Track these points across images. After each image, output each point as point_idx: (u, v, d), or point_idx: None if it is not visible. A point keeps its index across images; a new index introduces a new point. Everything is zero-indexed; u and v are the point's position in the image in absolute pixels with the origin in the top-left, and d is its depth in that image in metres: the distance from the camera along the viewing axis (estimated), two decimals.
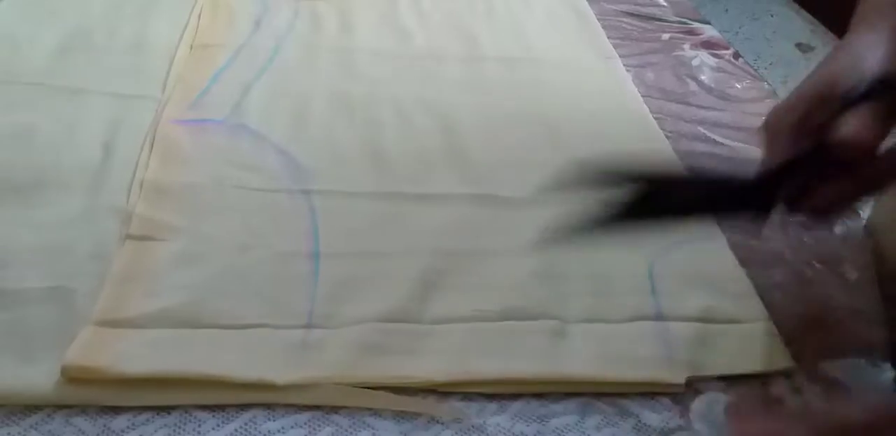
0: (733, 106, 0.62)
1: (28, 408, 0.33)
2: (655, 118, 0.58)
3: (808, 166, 0.37)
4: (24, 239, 0.41)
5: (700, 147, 0.57)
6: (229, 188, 0.46)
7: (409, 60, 0.61)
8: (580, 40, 0.67)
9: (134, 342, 0.36)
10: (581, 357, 0.38)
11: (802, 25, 2.15)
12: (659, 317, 0.41)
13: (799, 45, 2.06)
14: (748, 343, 0.40)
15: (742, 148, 0.57)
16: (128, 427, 0.33)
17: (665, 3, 0.77)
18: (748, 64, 0.68)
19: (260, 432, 0.34)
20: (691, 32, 0.72)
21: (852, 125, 0.35)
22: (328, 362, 0.36)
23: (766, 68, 1.90)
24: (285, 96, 0.55)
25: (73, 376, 0.34)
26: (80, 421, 0.33)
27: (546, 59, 0.64)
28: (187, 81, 0.55)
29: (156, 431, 0.33)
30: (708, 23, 0.75)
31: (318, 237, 0.43)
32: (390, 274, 0.42)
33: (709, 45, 0.70)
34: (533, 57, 0.64)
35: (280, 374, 0.35)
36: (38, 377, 0.34)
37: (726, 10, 2.17)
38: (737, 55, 0.69)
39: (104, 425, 0.33)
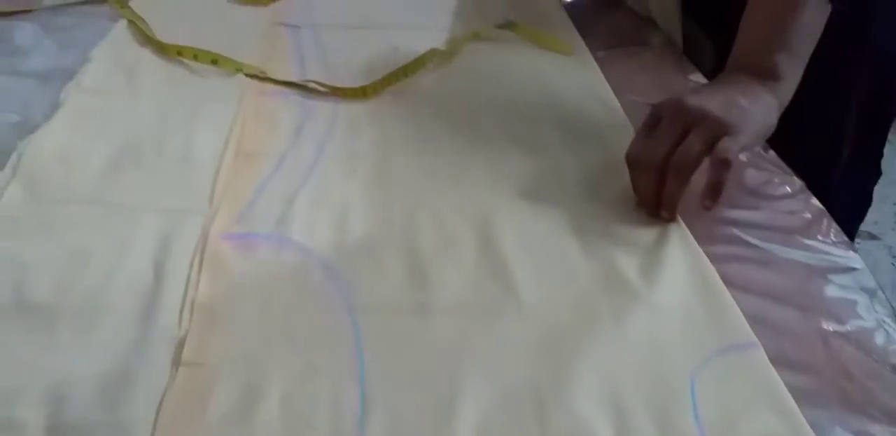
0: (766, 204, 0.61)
1: None
2: (683, 219, 0.57)
3: None
4: (81, 368, 0.42)
5: (737, 251, 0.56)
6: (278, 310, 0.48)
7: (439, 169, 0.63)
8: None
9: None
10: None
11: None
12: None
13: None
14: None
15: (778, 250, 0.56)
16: None
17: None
18: (779, 158, 0.67)
19: None
20: None
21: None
22: None
23: None
24: (327, 206, 0.57)
25: None
26: None
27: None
28: (233, 193, 0.57)
29: None
30: None
31: (364, 362, 0.44)
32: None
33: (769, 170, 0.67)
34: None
35: None
36: None
37: None
38: (766, 148, 0.68)
39: None
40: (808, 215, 0.60)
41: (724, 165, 0.54)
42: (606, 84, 0.76)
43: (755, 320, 0.49)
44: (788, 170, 0.66)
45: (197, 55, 0.73)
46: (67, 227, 0.53)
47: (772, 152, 0.68)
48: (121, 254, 0.51)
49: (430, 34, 0.83)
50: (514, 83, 0.76)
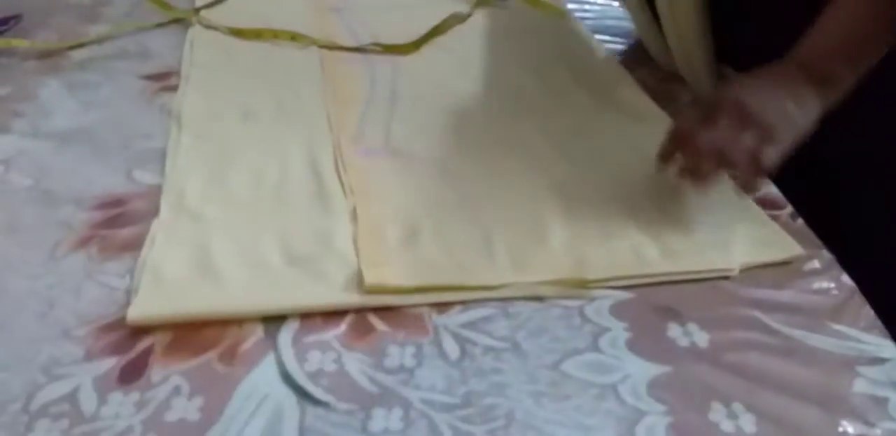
0: (791, 282, 0.59)
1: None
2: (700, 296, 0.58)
3: None
4: (295, 226, 0.63)
5: (758, 338, 0.54)
6: (411, 187, 0.69)
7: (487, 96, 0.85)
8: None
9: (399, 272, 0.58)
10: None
11: None
12: None
13: None
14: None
15: (803, 336, 0.53)
16: None
17: None
18: (807, 226, 0.65)
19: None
20: None
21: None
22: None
23: None
24: (413, 127, 0.78)
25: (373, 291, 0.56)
26: None
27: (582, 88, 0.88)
28: (343, 125, 0.78)
29: None
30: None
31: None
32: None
33: (764, 202, 0.67)
34: (571, 88, 0.88)
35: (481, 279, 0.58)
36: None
37: None
38: (794, 216, 0.66)
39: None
40: (837, 293, 0.57)
41: (763, 171, 0.58)
42: (589, 34, 0.98)
43: (772, 420, 0.47)
44: (818, 242, 0.63)
45: (276, 35, 0.94)
46: (237, 156, 0.73)
47: (800, 221, 0.66)
48: (285, 167, 0.71)
49: (439, 7, 1.05)
50: (516, 35, 0.99)
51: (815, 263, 0.61)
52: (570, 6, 1.08)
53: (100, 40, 0.96)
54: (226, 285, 0.57)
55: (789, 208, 0.68)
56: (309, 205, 0.66)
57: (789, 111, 0.59)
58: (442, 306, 0.57)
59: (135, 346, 0.53)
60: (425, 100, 0.84)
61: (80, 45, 0.94)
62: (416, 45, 0.93)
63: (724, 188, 0.63)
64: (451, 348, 0.54)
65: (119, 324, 0.54)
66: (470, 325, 0.56)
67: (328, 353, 0.53)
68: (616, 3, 1.11)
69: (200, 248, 0.61)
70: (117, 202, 0.67)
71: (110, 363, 0.52)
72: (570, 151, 0.75)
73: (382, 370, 0.52)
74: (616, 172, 0.72)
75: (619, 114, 0.82)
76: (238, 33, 0.96)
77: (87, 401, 0.49)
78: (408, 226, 0.64)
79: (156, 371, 0.51)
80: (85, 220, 0.65)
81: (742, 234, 0.64)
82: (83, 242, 0.63)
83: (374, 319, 0.56)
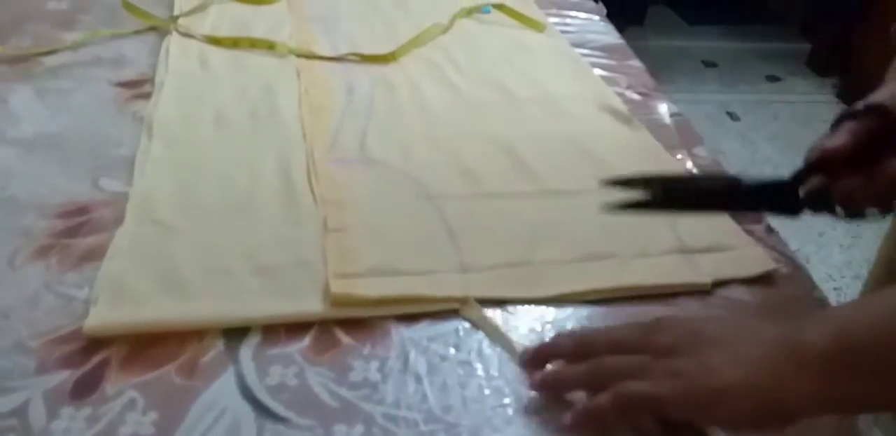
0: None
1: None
2: None
3: (819, 170, 0.49)
4: (261, 237, 0.62)
5: None
6: (382, 199, 0.68)
7: (461, 105, 0.84)
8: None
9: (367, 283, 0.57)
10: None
11: None
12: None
13: None
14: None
15: None
16: None
17: (695, 170, 0.76)
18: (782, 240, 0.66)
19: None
20: None
21: (828, 138, 0.49)
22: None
23: None
24: (390, 137, 0.77)
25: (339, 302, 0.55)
26: None
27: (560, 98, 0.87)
28: (318, 133, 0.77)
29: None
30: None
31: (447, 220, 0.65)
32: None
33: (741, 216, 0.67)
34: (551, 97, 0.87)
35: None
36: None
37: (776, 117, 2.20)
38: (770, 230, 0.68)
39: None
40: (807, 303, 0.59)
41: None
42: (570, 48, 0.98)
43: None
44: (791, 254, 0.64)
45: (254, 43, 0.93)
46: (208, 164, 0.72)
47: (776, 234, 0.67)
48: (256, 176, 0.70)
49: (418, 18, 1.04)
50: (497, 47, 0.98)
51: (787, 273, 0.62)
52: (552, 20, 1.08)
53: (74, 47, 0.94)
54: (189, 296, 0.56)
55: (766, 222, 0.68)
56: (278, 214, 0.65)
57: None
58: (409, 319, 0.56)
59: (90, 359, 0.51)
60: (402, 110, 0.83)
61: (54, 52, 0.93)
62: (395, 55, 0.92)
63: None
64: (418, 362, 0.52)
65: (75, 336, 0.53)
66: (437, 338, 0.54)
67: (290, 367, 0.51)
68: (597, 18, 1.11)
69: (165, 257, 0.59)
70: (81, 210, 0.66)
71: (63, 376, 0.50)
72: (548, 162, 0.74)
73: (345, 385, 0.50)
74: (591, 185, 0.71)
75: (598, 125, 0.81)
76: (215, 42, 0.95)
77: (37, 416, 0.47)
78: (378, 237, 0.63)
79: (111, 385, 0.50)
80: (46, 228, 0.63)
81: (716, 248, 0.63)
82: (43, 251, 0.61)
83: (338, 333, 0.54)
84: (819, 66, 2.41)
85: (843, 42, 2.30)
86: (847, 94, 2.25)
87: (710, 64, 2.49)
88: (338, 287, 0.55)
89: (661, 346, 0.44)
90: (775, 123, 2.18)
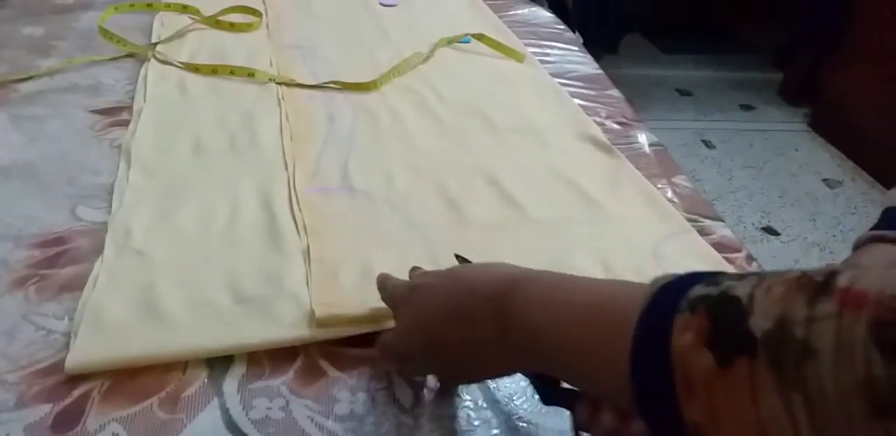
0: None
1: None
2: None
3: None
4: (244, 267, 0.61)
5: None
6: (365, 227, 0.67)
7: (443, 134, 0.84)
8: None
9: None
10: None
11: (829, 160, 2.15)
12: None
13: (826, 181, 2.06)
14: None
15: None
16: None
17: (675, 199, 0.76)
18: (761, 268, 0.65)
19: None
20: (702, 232, 0.70)
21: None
22: None
23: (792, 204, 1.95)
24: (372, 166, 0.77)
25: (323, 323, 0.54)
26: None
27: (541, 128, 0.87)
28: (299, 162, 0.76)
29: None
30: (721, 220, 0.73)
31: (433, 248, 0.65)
32: None
33: (720, 247, 0.68)
34: (532, 127, 0.87)
35: None
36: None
37: (751, 145, 2.23)
38: (750, 259, 0.68)
39: None
40: None
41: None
42: (550, 78, 0.99)
43: None
44: None
45: (233, 71, 0.93)
46: (187, 192, 0.71)
47: (756, 263, 0.68)
48: (237, 205, 0.69)
49: (398, 47, 1.05)
50: (478, 77, 0.99)
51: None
52: (531, 50, 1.09)
53: (50, 73, 0.94)
54: (171, 327, 0.55)
55: (745, 251, 0.69)
56: (260, 244, 0.64)
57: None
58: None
59: (71, 392, 0.50)
60: (384, 139, 0.82)
61: (29, 78, 0.92)
62: (377, 83, 0.92)
63: None
64: (404, 394, 0.52)
65: (55, 369, 0.52)
66: None
67: (275, 399, 0.50)
68: (575, 48, 1.12)
69: (145, 289, 0.58)
70: (59, 240, 0.65)
71: (44, 411, 0.49)
72: (531, 192, 0.74)
73: (332, 418, 0.50)
74: (574, 214, 0.72)
75: (580, 155, 0.82)
76: (194, 69, 0.95)
77: None
78: (362, 265, 0.62)
79: (92, 419, 0.48)
80: (24, 258, 0.62)
81: None
82: (21, 282, 0.60)
83: (324, 364, 0.53)
84: (791, 95, 2.45)
85: (814, 72, 2.34)
86: (818, 123, 2.29)
87: (684, 92, 2.53)
88: (322, 310, 0.55)
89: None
90: (750, 152, 2.20)
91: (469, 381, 0.51)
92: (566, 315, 0.39)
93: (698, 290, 0.32)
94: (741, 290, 0.31)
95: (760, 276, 0.31)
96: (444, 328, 0.45)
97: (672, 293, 0.33)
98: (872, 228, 0.52)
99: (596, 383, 0.38)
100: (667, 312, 0.32)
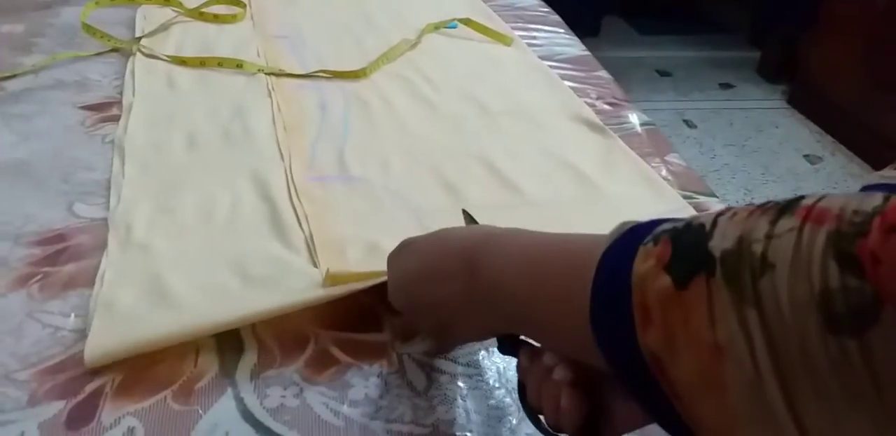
0: None
1: None
2: None
3: None
4: (252, 251, 0.61)
5: None
6: (365, 215, 0.68)
7: (436, 119, 0.85)
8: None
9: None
10: None
11: (809, 136, 2.17)
12: None
13: (807, 157, 2.07)
14: None
15: None
16: None
17: (670, 177, 0.76)
18: None
19: None
20: (697, 208, 0.71)
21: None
22: None
23: (775, 181, 1.96)
24: (368, 152, 0.77)
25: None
26: None
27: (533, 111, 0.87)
28: (295, 152, 0.76)
29: None
30: (714, 196, 0.74)
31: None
32: None
33: None
34: (524, 110, 0.87)
35: None
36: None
37: (731, 124, 2.23)
38: None
39: None
40: None
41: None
42: (539, 61, 0.99)
43: None
44: None
45: (221, 63, 0.92)
46: (184, 186, 0.71)
47: None
48: (236, 197, 0.69)
49: (384, 34, 1.05)
50: (467, 61, 0.99)
51: None
52: (518, 33, 1.09)
53: (35, 71, 0.93)
54: (182, 309, 0.55)
55: None
56: (263, 233, 0.64)
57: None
58: (406, 335, 0.55)
59: (83, 387, 0.50)
60: (378, 126, 0.83)
61: (14, 76, 0.91)
62: (366, 71, 0.92)
63: None
64: (417, 377, 0.52)
65: (66, 365, 0.52)
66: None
67: (290, 387, 0.51)
68: (561, 31, 1.13)
69: (153, 278, 0.58)
70: (59, 238, 0.64)
71: (58, 407, 0.48)
72: (526, 173, 0.74)
73: (346, 403, 0.50)
74: (570, 194, 0.72)
75: (573, 136, 0.82)
76: (181, 62, 0.94)
77: None
78: (367, 243, 0.63)
79: (107, 413, 0.48)
80: (25, 257, 0.62)
81: None
82: (23, 281, 0.59)
83: (335, 351, 0.54)
84: (769, 73, 2.47)
85: (791, 50, 2.36)
86: (796, 100, 2.31)
87: (664, 73, 2.54)
88: (331, 266, 0.57)
89: None
90: (730, 130, 2.22)
91: (452, 342, 0.52)
92: (529, 262, 0.40)
93: (664, 226, 0.32)
94: (705, 218, 0.31)
95: (728, 208, 0.31)
96: (420, 285, 0.46)
97: (638, 232, 0.33)
98: None
99: (556, 327, 0.38)
100: (631, 245, 0.32)
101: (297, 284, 0.57)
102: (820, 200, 0.28)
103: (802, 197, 0.29)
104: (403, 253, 0.49)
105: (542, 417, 0.43)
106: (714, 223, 0.30)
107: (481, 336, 0.50)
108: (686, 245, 0.30)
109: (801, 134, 2.20)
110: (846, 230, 0.25)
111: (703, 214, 0.32)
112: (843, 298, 0.24)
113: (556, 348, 0.41)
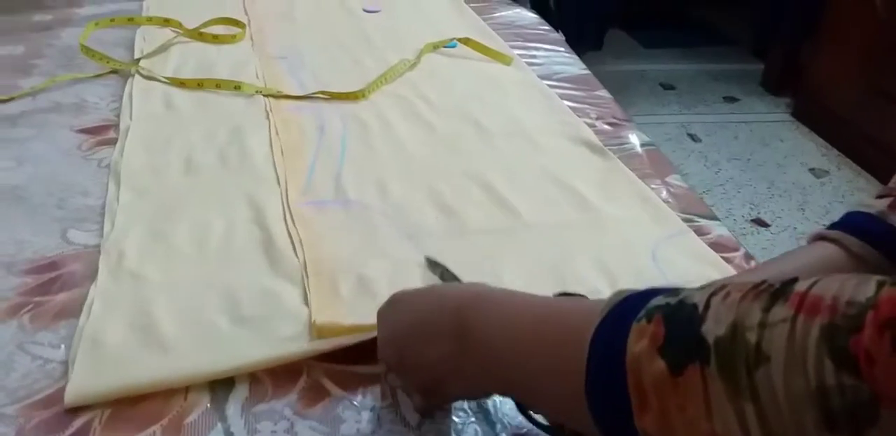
0: None
1: None
2: None
3: None
4: (243, 283, 0.60)
5: None
6: (359, 240, 0.67)
7: (435, 141, 0.84)
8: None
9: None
10: None
11: (815, 149, 2.14)
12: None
13: (813, 171, 2.05)
14: None
15: None
16: None
17: (670, 199, 0.75)
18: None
19: None
20: (699, 232, 0.70)
21: None
22: None
23: (781, 195, 1.94)
24: (365, 176, 0.76)
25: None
26: None
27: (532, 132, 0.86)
28: (291, 176, 0.75)
29: None
30: (716, 219, 0.73)
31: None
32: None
33: (717, 247, 0.68)
34: (523, 130, 0.87)
35: None
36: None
37: (736, 137, 2.21)
38: (748, 257, 0.68)
39: None
40: None
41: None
42: (538, 80, 0.98)
43: None
44: None
45: (219, 84, 0.92)
46: (179, 212, 0.70)
47: (754, 262, 0.58)
48: (231, 223, 0.68)
49: (383, 53, 1.04)
50: (466, 82, 0.98)
51: None
52: (517, 52, 1.08)
53: (33, 93, 0.92)
54: (170, 352, 0.54)
55: (742, 250, 0.69)
56: (256, 262, 0.64)
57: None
58: None
59: (71, 423, 0.49)
60: (375, 148, 0.82)
61: (11, 99, 0.91)
62: (365, 92, 0.92)
63: None
64: (411, 412, 0.51)
65: (53, 400, 0.51)
66: None
67: (280, 422, 0.50)
68: (562, 49, 1.12)
69: (142, 313, 0.57)
70: (51, 266, 0.64)
71: None
72: (525, 196, 0.74)
73: None
74: (570, 218, 0.71)
75: (572, 158, 0.81)
76: (179, 83, 0.94)
77: None
78: (360, 275, 0.62)
79: None
80: (16, 286, 0.61)
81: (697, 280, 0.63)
82: (14, 311, 0.59)
83: (327, 383, 0.53)
84: (772, 86, 2.46)
85: (794, 62, 2.35)
86: (801, 112, 2.30)
87: (668, 87, 2.53)
88: (322, 318, 0.55)
89: None
90: (735, 143, 2.21)
91: (444, 400, 0.50)
92: (521, 330, 0.39)
93: (658, 300, 0.32)
94: (698, 297, 0.31)
95: (722, 285, 0.31)
96: (410, 345, 0.45)
97: (631, 304, 0.33)
98: (828, 227, 0.52)
99: (551, 397, 0.38)
100: (625, 321, 0.32)
101: (286, 329, 0.56)
102: (813, 285, 0.27)
103: (795, 280, 0.28)
104: (394, 308, 0.48)
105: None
106: (707, 304, 0.30)
107: (474, 396, 0.49)
108: (679, 328, 0.30)
109: (806, 147, 2.19)
110: (840, 324, 0.25)
111: (696, 291, 0.31)
112: (839, 396, 0.24)
113: (551, 414, 0.41)
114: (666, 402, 0.29)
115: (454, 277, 0.60)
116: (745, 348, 0.27)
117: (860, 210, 0.51)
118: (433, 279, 0.62)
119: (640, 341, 0.31)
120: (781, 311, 0.27)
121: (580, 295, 0.49)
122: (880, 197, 0.51)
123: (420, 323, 0.45)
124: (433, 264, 0.62)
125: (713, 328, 0.28)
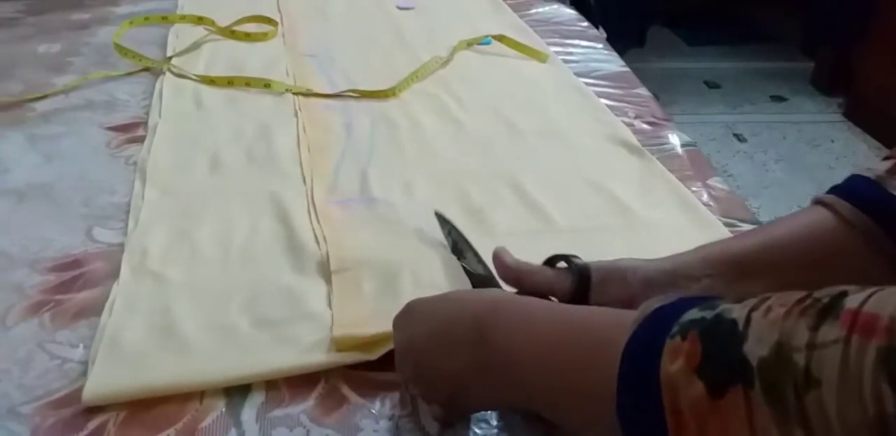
0: None
1: None
2: None
3: None
4: (266, 287, 0.59)
5: None
6: (384, 237, 0.65)
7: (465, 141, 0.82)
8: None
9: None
10: None
11: (867, 151, 2.07)
12: None
13: None
14: None
15: None
16: None
17: (711, 203, 0.73)
18: None
19: None
20: None
21: None
22: None
23: None
24: (392, 175, 0.75)
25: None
26: None
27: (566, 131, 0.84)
28: (318, 174, 0.74)
29: None
30: (760, 223, 0.70)
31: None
32: None
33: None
34: (557, 130, 0.84)
35: None
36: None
37: (784, 138, 2.15)
38: None
39: None
40: None
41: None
42: (575, 78, 0.96)
43: None
44: None
45: (249, 82, 0.91)
46: (204, 210, 0.69)
47: None
48: (255, 222, 0.67)
49: (416, 51, 1.03)
50: (499, 79, 0.96)
51: None
52: (554, 49, 1.06)
53: (66, 91, 0.93)
54: (189, 355, 0.53)
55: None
56: (279, 262, 0.62)
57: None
58: None
59: (86, 424, 0.48)
60: (404, 147, 0.80)
61: (45, 97, 0.91)
62: (395, 90, 0.90)
63: None
64: (430, 421, 0.49)
65: (70, 400, 0.50)
66: None
67: (296, 429, 0.48)
68: (600, 46, 1.09)
69: (162, 313, 0.56)
70: (75, 264, 0.63)
71: None
72: (557, 198, 0.71)
73: None
74: (603, 222, 0.69)
75: (608, 158, 0.79)
76: (209, 81, 0.93)
77: None
78: (385, 275, 0.60)
79: None
80: (39, 283, 0.61)
81: None
82: (36, 308, 0.58)
83: (345, 390, 0.51)
84: (823, 85, 2.39)
85: (846, 60, 2.28)
86: (853, 113, 2.23)
87: (713, 85, 2.47)
88: (339, 331, 0.53)
89: None
90: (784, 144, 2.15)
91: (465, 411, 0.48)
92: (545, 339, 0.38)
93: (692, 314, 0.30)
94: (737, 312, 0.28)
95: (762, 298, 0.29)
96: (428, 357, 0.44)
97: (663, 318, 0.31)
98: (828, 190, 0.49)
99: (577, 413, 0.36)
100: (657, 337, 0.30)
101: (308, 334, 0.54)
102: (866, 302, 0.25)
103: (845, 294, 0.26)
104: (410, 318, 0.47)
105: None
106: (748, 321, 0.28)
107: (495, 407, 0.48)
108: (717, 347, 0.28)
109: (858, 149, 2.12)
110: None
111: (734, 304, 0.29)
112: None
113: (577, 431, 0.40)
114: (706, 425, 0.27)
115: (461, 236, 0.61)
116: (793, 371, 0.25)
117: (861, 174, 0.48)
118: (457, 281, 0.60)
119: (675, 360, 0.29)
120: (832, 331, 0.25)
121: (574, 256, 0.51)
122: (886, 159, 0.48)
123: (437, 333, 0.43)
124: (442, 221, 0.62)
125: (756, 348, 0.26)
